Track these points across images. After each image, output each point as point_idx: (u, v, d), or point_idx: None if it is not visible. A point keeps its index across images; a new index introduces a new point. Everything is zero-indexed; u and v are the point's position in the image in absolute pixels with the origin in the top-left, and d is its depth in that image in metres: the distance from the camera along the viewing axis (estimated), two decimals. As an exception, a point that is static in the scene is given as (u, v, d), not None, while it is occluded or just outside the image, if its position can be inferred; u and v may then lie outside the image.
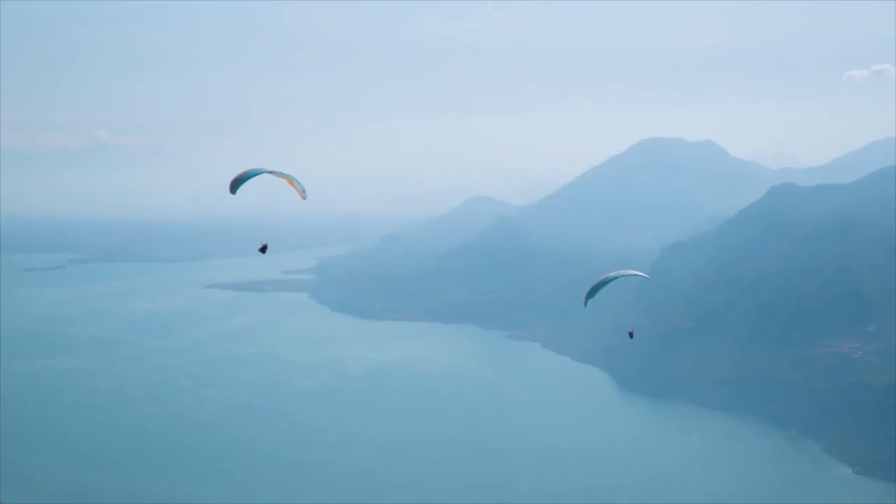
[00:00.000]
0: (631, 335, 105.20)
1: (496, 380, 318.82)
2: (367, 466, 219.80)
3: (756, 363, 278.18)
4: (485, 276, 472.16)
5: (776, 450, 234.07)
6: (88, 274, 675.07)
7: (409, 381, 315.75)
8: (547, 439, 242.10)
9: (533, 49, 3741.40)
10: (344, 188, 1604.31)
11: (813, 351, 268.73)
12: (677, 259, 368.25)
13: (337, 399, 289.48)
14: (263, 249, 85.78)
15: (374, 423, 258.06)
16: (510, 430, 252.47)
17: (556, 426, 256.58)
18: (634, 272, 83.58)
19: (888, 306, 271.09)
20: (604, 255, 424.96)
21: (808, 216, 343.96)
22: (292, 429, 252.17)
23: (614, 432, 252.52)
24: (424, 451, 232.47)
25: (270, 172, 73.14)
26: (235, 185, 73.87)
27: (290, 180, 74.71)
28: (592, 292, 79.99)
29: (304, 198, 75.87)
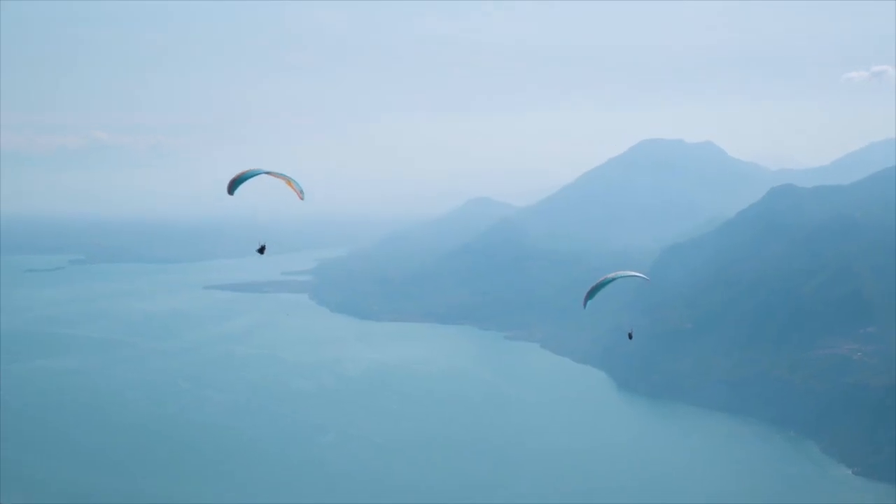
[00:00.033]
0: (630, 336, 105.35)
1: (495, 380, 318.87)
2: (366, 467, 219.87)
3: (755, 364, 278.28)
4: (484, 277, 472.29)
5: (775, 451, 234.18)
6: (88, 275, 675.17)
7: (409, 381, 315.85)
8: (546, 440, 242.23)
9: (533, 49, 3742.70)
10: (344, 189, 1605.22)
11: (812, 352, 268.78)
12: (676, 260, 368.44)
13: (336, 400, 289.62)
14: (261, 250, 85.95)
15: (373, 423, 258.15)
16: (509, 430, 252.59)
17: (556, 427, 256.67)
18: (633, 273, 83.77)
19: (888, 308, 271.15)
20: (603, 256, 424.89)
21: (808, 217, 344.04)
22: (291, 429, 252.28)
23: (613, 433, 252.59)
24: (423, 451, 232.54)
25: (268, 173, 73.35)
26: (233, 185, 74.06)
27: (289, 181, 74.90)
28: (592, 293, 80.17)
29: (303, 198, 76.08)
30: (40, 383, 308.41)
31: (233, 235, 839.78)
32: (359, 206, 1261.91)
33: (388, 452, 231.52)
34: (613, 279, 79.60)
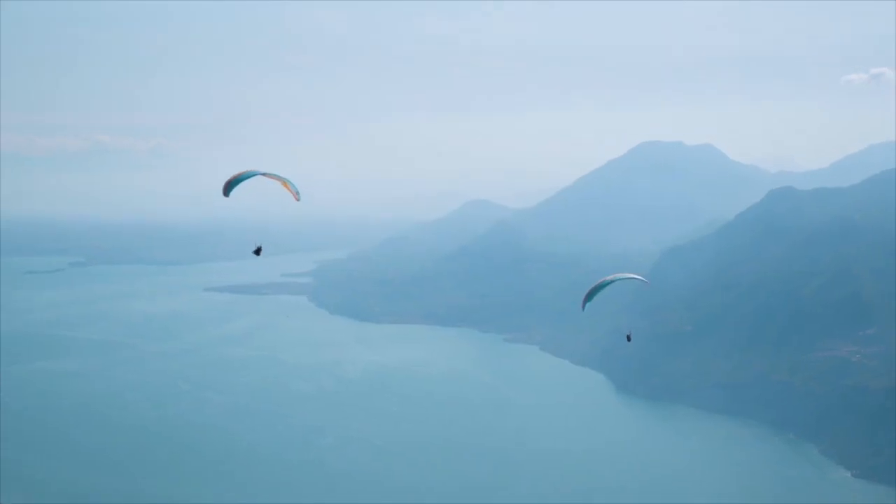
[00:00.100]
0: (629, 338, 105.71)
1: (494, 383, 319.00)
2: (366, 469, 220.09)
3: (755, 367, 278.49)
4: (483, 280, 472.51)
5: (775, 453, 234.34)
6: (88, 276, 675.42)
7: (408, 383, 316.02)
8: (545, 442, 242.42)
9: (532, 49, 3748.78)
10: (343, 190, 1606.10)
11: (812, 354, 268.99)
12: (676, 262, 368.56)
13: (335, 402, 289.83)
14: (258, 251, 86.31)
15: (373, 425, 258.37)
16: (508, 432, 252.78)
17: (555, 429, 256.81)
18: (632, 276, 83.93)
19: (887, 310, 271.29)
20: (602, 259, 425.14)
21: (807, 220, 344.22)
22: (291, 431, 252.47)
23: (612, 435, 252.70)
24: (423, 453, 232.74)
25: (264, 174, 73.60)
26: (229, 187, 74.34)
27: (284, 182, 75.24)
28: (590, 296, 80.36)
29: (298, 199, 76.44)
30: (40, 385, 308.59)
31: (233, 237, 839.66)
32: (358, 208, 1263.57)
33: (388, 454, 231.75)
34: (612, 282, 79.78)
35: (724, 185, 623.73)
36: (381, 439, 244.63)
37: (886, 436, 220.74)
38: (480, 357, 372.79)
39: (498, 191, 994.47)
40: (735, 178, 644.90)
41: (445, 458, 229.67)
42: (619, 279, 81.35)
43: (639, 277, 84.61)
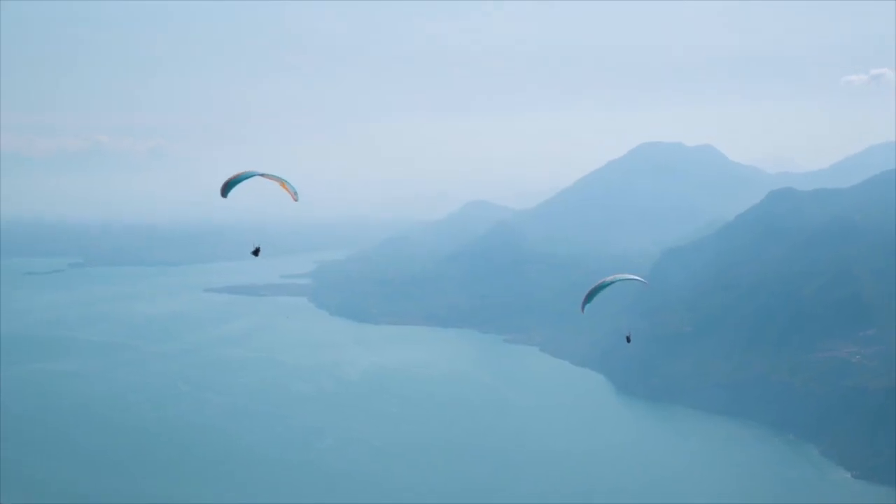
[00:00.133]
0: (628, 339, 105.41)
1: (494, 384, 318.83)
2: (365, 470, 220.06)
3: (755, 367, 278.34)
4: (483, 281, 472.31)
5: (775, 454, 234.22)
6: (88, 277, 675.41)
7: (408, 385, 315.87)
8: (545, 443, 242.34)
9: (532, 49, 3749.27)
10: (343, 191, 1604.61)
11: (812, 355, 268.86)
12: (676, 263, 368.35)
13: (335, 403, 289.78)
14: (256, 252, 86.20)
15: (372, 426, 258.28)
16: (508, 433, 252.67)
17: (555, 430, 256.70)
18: (631, 277, 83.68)
19: (887, 310, 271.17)
20: (602, 260, 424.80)
21: (807, 220, 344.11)
22: (290, 432, 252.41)
23: (613, 436, 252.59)
24: (422, 454, 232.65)
25: (262, 175, 73.45)
26: (227, 188, 74.21)
27: (283, 182, 75.13)
28: (589, 297, 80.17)
29: (297, 199, 76.30)
30: (40, 386, 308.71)
31: (232, 238, 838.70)
32: (358, 208, 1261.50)
33: (388, 455, 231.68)
34: (611, 283, 79.57)
35: (724, 185, 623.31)
36: (380, 440, 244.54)
37: (886, 437, 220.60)
38: (480, 358, 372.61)
39: (498, 191, 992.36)
40: (735, 179, 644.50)
41: (445, 459, 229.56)
42: (619, 280, 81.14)
43: (638, 278, 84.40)
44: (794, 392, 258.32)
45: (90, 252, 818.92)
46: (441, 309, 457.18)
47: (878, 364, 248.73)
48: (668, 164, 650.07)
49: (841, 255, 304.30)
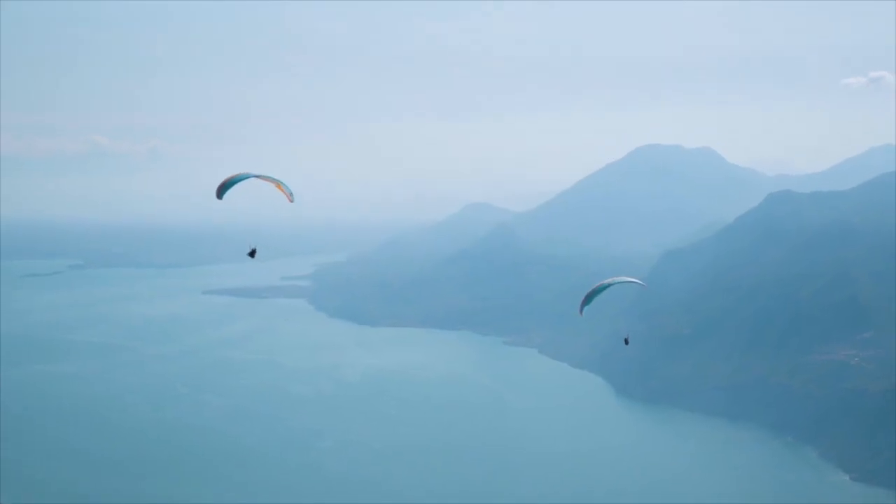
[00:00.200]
0: (626, 342, 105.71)
1: (494, 386, 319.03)
2: (365, 472, 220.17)
3: (753, 370, 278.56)
4: (483, 283, 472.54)
5: (773, 456, 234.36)
6: (87, 279, 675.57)
7: (407, 387, 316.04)
8: (544, 444, 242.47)
9: (532, 50, 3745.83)
10: (343, 192, 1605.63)
11: (810, 357, 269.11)
12: (675, 266, 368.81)
13: (334, 405, 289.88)
14: (252, 253, 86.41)
15: (372, 428, 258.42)
16: (508, 435, 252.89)
17: (554, 432, 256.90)
18: (629, 279, 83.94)
19: (886, 313, 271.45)
20: (601, 262, 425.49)
21: (806, 223, 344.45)
22: (290, 434, 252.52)
23: (611, 438, 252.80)
24: (422, 456, 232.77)
25: (257, 176, 73.50)
26: (222, 189, 74.28)
27: (278, 184, 75.18)
28: (588, 299, 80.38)
29: (292, 201, 76.39)
30: (40, 387, 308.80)
31: (232, 240, 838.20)
32: (358, 209, 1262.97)
33: (387, 457, 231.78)
34: (610, 285, 79.77)
35: (722, 188, 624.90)
36: (380, 442, 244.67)
37: (885, 439, 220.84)
38: (480, 360, 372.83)
39: (497, 193, 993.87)
40: (734, 182, 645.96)
41: (444, 460, 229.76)
42: (618, 282, 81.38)
43: (637, 281, 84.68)
44: (792, 394, 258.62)
45: (89, 254, 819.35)
46: (440, 311, 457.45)
47: (877, 366, 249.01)
48: (667, 167, 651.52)
49: (840, 258, 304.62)
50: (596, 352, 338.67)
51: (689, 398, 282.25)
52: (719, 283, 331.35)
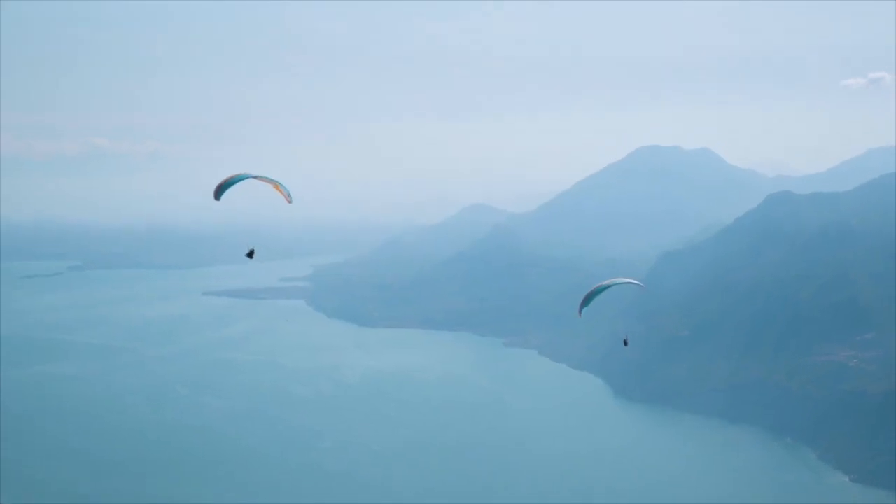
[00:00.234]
0: (625, 343, 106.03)
1: (493, 387, 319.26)
2: (364, 472, 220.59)
3: (752, 371, 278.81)
4: (481, 284, 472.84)
5: (772, 458, 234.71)
6: (87, 280, 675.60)
7: (406, 388, 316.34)
8: (543, 445, 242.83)
9: (531, 51, 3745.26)
10: (342, 193, 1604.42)
11: (809, 359, 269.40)
12: (673, 267, 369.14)
13: (334, 406, 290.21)
14: (250, 254, 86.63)
15: (371, 430, 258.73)
16: (507, 436, 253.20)
17: (553, 432, 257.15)
18: (628, 280, 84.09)
19: (885, 314, 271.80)
20: (600, 263, 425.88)
21: (805, 224, 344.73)
22: (289, 435, 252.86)
23: (610, 439, 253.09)
24: (421, 457, 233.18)
25: (255, 177, 73.58)
26: (220, 190, 74.38)
27: (276, 185, 75.29)
28: (587, 301, 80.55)
29: (290, 201, 76.50)
30: (40, 388, 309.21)
31: (231, 241, 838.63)
32: (357, 210, 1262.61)
33: (386, 458, 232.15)
34: (608, 286, 79.97)
35: (721, 189, 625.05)
36: (379, 443, 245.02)
37: (884, 440, 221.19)
38: (479, 361, 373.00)
39: (496, 195, 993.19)
40: (733, 183, 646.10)
41: (444, 461, 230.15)
42: (616, 284, 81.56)
43: (635, 282, 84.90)
44: (791, 396, 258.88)
45: (89, 255, 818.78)
46: (439, 312, 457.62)
47: (876, 368, 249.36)
48: (665, 168, 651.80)
49: (839, 259, 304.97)
50: (595, 353, 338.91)
51: (688, 399, 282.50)
52: (718, 284, 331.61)
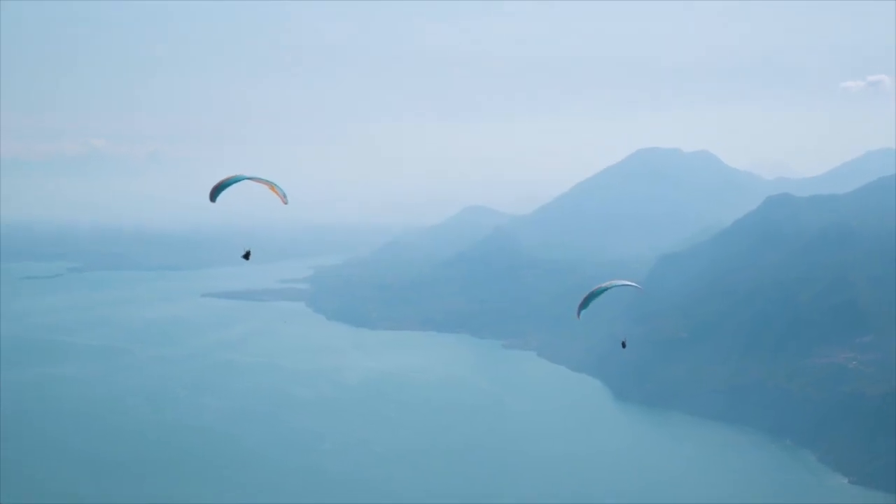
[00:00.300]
0: (623, 345, 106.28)
1: (492, 388, 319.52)
2: (365, 473, 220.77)
3: (751, 373, 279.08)
4: (481, 286, 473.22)
5: (771, 460, 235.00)
6: (87, 282, 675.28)
7: (406, 389, 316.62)
8: (542, 447, 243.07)
9: (531, 52, 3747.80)
10: (342, 194, 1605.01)
11: (809, 361, 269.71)
12: (672, 269, 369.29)
13: (334, 408, 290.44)
14: (247, 256, 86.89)
15: (371, 431, 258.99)
16: (506, 437, 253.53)
17: (552, 434, 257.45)
18: (627, 282, 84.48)
19: (884, 316, 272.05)
20: (599, 265, 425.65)
21: (804, 226, 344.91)
22: (290, 437, 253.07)
23: (609, 441, 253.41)
24: (422, 458, 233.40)
25: (251, 178, 73.52)
26: (216, 192, 74.35)
27: (272, 186, 75.17)
28: (585, 303, 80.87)
29: (286, 203, 76.42)
30: (40, 389, 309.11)
31: (231, 243, 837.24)
32: (357, 211, 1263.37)
33: (387, 459, 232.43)
34: (607, 288, 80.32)
35: (720, 191, 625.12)
36: (379, 444, 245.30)
37: (883, 442, 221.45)
38: (478, 363, 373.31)
39: (495, 196, 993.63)
40: (732, 185, 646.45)
41: (444, 462, 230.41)
42: (615, 286, 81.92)
43: (634, 284, 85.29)
44: (790, 398, 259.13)
45: (89, 256, 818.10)
46: (439, 314, 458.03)
47: (875, 370, 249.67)
48: (664, 170, 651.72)
49: (838, 261, 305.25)
50: (593, 355, 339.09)
51: (687, 401, 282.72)
52: (717, 286, 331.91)
